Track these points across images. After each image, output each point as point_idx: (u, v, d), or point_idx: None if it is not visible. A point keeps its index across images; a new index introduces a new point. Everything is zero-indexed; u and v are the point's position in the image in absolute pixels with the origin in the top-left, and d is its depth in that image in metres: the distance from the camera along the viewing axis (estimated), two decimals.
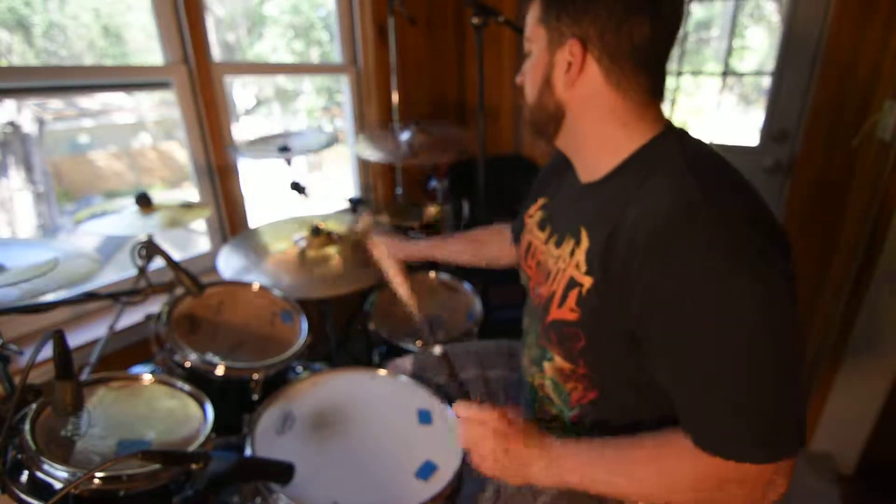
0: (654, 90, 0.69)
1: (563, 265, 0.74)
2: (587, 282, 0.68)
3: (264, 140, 1.58)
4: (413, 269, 1.74)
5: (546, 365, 0.81)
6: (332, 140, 1.55)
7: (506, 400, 1.05)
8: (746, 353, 0.56)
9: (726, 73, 2.05)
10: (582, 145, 0.74)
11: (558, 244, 0.77)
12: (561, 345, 0.74)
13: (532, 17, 0.71)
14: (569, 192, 0.82)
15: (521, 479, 0.70)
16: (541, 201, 0.91)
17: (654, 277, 0.59)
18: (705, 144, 0.68)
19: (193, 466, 0.67)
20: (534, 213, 0.91)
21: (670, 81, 2.17)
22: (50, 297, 0.97)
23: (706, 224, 0.56)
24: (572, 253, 0.72)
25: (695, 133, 0.70)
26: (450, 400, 1.05)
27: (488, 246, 1.17)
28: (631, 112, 0.68)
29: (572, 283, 0.71)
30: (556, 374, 0.79)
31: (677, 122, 0.72)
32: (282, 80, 2.79)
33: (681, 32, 2.24)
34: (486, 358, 1.13)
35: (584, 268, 0.69)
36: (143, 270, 1.15)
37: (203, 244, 1.76)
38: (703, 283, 0.56)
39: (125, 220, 1.23)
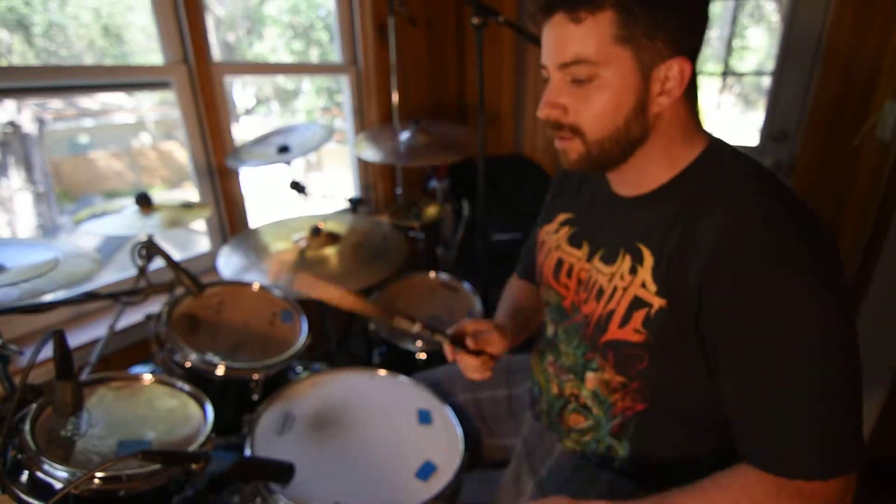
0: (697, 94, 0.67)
1: (622, 283, 0.69)
2: (657, 302, 0.64)
3: (263, 140, 1.59)
4: (414, 269, 1.74)
5: (589, 375, 0.76)
6: (330, 133, 1.55)
7: (509, 416, 1.04)
8: (824, 365, 0.56)
9: (726, 73, 2.05)
10: (641, 166, 0.67)
11: (608, 261, 0.72)
12: (617, 364, 0.71)
13: (598, 35, 0.58)
14: (603, 205, 0.77)
15: None
16: (562, 217, 0.85)
17: (736, 292, 0.57)
18: (746, 154, 0.67)
19: (193, 466, 0.67)
20: (557, 230, 0.85)
21: None
22: (50, 297, 0.97)
23: (794, 243, 0.56)
24: (634, 271, 0.67)
25: None
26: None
27: (532, 298, 1.02)
28: (692, 122, 0.66)
29: (638, 303, 0.66)
30: (601, 386, 0.75)
31: None
32: (281, 80, 2.79)
33: None
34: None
35: (652, 287, 0.65)
36: (143, 270, 1.15)
37: (203, 244, 1.76)
38: (787, 295, 0.55)
39: (125, 220, 1.23)
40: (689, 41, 0.58)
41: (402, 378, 1.11)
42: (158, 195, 1.30)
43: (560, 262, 0.82)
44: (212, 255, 1.65)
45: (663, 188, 0.67)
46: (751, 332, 0.57)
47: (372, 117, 2.11)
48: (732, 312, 0.58)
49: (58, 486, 0.70)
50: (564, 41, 0.61)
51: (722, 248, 0.58)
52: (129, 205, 1.27)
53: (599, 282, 0.73)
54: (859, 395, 0.58)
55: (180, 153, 2.34)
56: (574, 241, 0.80)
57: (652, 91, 0.60)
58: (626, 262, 0.69)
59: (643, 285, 0.66)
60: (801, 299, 0.55)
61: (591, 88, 0.61)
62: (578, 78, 0.61)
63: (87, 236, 1.42)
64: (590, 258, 0.76)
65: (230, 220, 1.72)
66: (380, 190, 2.23)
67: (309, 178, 3.20)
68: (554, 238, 0.85)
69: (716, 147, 0.67)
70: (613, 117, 0.62)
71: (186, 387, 0.95)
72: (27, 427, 0.75)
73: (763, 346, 0.57)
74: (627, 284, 0.68)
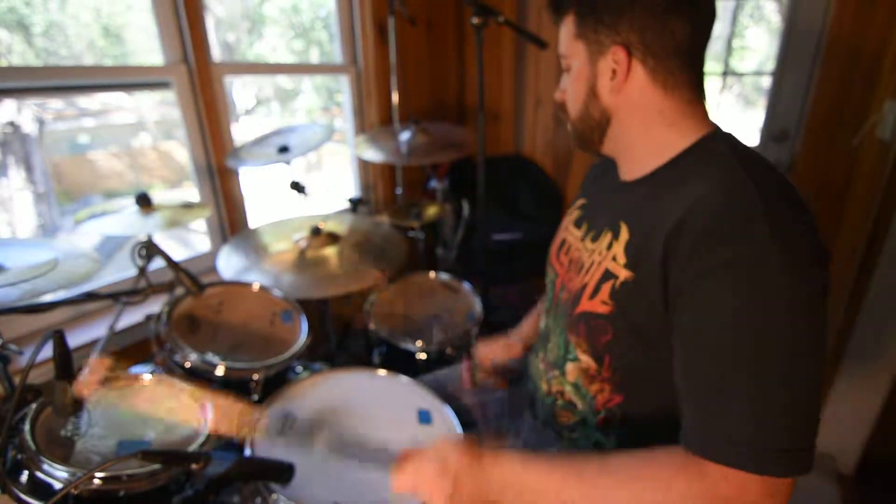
0: (698, 87, 0.69)
1: (598, 258, 0.73)
2: (623, 274, 0.67)
3: (263, 140, 1.59)
4: (414, 269, 1.74)
5: (569, 367, 0.79)
6: (330, 133, 1.55)
7: (510, 417, 1.04)
8: (789, 352, 0.54)
9: (726, 73, 2.05)
10: (628, 148, 0.73)
11: (594, 239, 0.77)
12: (588, 338, 0.73)
13: (566, 33, 0.72)
14: (607, 190, 0.82)
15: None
16: (579, 202, 0.91)
17: (697, 268, 0.57)
18: (752, 148, 0.67)
19: (193, 466, 0.68)
20: (571, 213, 0.91)
21: None
22: (50, 297, 0.97)
23: (760, 221, 0.55)
24: (609, 246, 0.72)
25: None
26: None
27: None
28: (678, 111, 0.68)
29: (607, 275, 0.70)
30: (580, 376, 0.77)
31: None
32: (282, 80, 2.79)
33: None
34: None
35: (622, 260, 0.68)
36: (143, 270, 1.15)
37: (203, 244, 1.76)
38: (755, 278, 0.54)
39: (125, 220, 1.23)
40: (626, 33, 0.65)
41: (402, 378, 1.11)
42: (158, 195, 1.31)
43: (563, 242, 0.87)
44: (212, 255, 1.65)
45: (654, 173, 0.70)
46: (702, 305, 0.57)
47: (372, 117, 2.11)
48: (687, 284, 0.58)
49: (58, 486, 0.70)
50: (558, 40, 0.75)
51: (686, 220, 0.59)
52: (129, 205, 1.27)
53: (583, 259, 0.78)
54: (811, 397, 0.54)
55: (180, 153, 2.33)
56: (578, 223, 0.85)
57: (602, 78, 0.69)
58: (606, 239, 0.73)
59: (614, 258, 0.70)
60: (756, 279, 0.54)
61: (569, 76, 0.74)
62: (565, 68, 0.75)
63: (87, 236, 1.42)
64: (583, 238, 0.81)
65: (230, 220, 1.72)
66: (380, 190, 2.23)
67: (309, 178, 3.20)
68: (567, 220, 0.91)
69: (713, 137, 0.67)
70: (577, 100, 0.74)
71: (186, 387, 0.95)
72: (27, 427, 0.75)
73: (711, 320, 0.56)
74: (602, 259, 0.72)
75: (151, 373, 0.98)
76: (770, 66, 1.89)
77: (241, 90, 2.67)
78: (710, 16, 0.66)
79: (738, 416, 0.54)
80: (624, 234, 0.70)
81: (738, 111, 2.41)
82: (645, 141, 0.70)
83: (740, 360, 0.55)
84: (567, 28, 0.71)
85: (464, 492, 0.64)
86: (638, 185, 0.72)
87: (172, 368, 1.10)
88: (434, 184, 2.10)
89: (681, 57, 0.65)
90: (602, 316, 0.70)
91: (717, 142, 0.66)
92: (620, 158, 0.77)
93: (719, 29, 2.16)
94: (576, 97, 0.73)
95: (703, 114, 0.70)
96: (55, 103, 1.99)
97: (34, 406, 0.78)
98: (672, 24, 0.63)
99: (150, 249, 1.13)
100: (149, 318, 1.19)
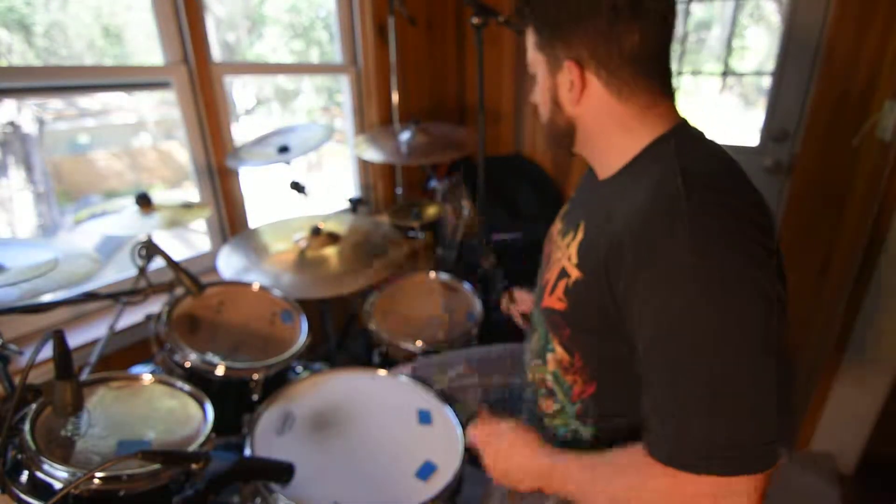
0: (660, 90, 0.69)
1: (560, 255, 0.77)
2: (574, 274, 0.71)
3: (263, 140, 1.59)
4: (414, 269, 1.74)
5: (549, 356, 0.81)
6: (330, 133, 1.55)
7: (504, 406, 1.05)
8: (721, 352, 0.54)
9: (726, 73, 2.05)
10: (594, 151, 0.76)
11: (564, 236, 0.80)
12: (553, 332, 0.77)
13: (530, 43, 0.74)
14: (589, 188, 0.84)
15: (517, 485, 0.73)
16: (572, 195, 0.94)
17: (635, 275, 0.59)
18: (709, 143, 0.68)
19: (193, 466, 0.68)
20: (564, 207, 0.93)
21: None
22: (50, 297, 0.97)
23: (685, 218, 0.56)
24: (569, 245, 0.75)
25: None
26: (448, 402, 1.04)
27: None
28: (635, 118, 0.69)
29: (563, 273, 0.74)
30: (558, 367, 0.80)
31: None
32: (282, 80, 2.79)
33: (681, 32, 2.22)
34: (485, 364, 1.13)
35: (574, 259, 0.72)
36: (143, 270, 1.15)
37: (203, 244, 1.76)
38: (683, 279, 0.55)
39: (125, 220, 1.23)
40: (577, 48, 0.67)
41: (402, 378, 1.11)
42: (158, 195, 1.31)
43: (549, 236, 0.91)
44: (212, 255, 1.65)
45: (616, 174, 0.72)
46: (645, 310, 0.59)
47: (372, 117, 2.11)
48: (630, 293, 0.60)
49: (58, 486, 0.70)
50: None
51: (625, 224, 0.62)
52: (129, 205, 1.27)
53: (553, 254, 0.82)
54: (755, 394, 0.54)
55: (180, 153, 2.34)
56: (563, 217, 0.89)
57: (562, 89, 0.71)
58: (569, 237, 0.77)
59: (569, 257, 0.74)
60: (682, 282, 0.55)
61: (537, 85, 0.76)
62: (531, 76, 0.77)
63: (87, 236, 1.42)
64: (558, 233, 0.84)
65: (230, 220, 1.72)
66: (380, 190, 2.23)
67: (309, 178, 3.20)
68: (558, 215, 0.93)
69: (665, 138, 0.68)
70: (544, 109, 0.76)
71: (186, 387, 0.95)
72: (27, 427, 0.75)
73: (651, 325, 0.58)
74: (562, 256, 0.76)
75: (151, 373, 0.98)
76: (770, 66, 1.89)
77: (241, 90, 2.67)
78: (660, 20, 0.65)
79: (699, 425, 0.55)
80: (580, 234, 0.73)
81: (738, 111, 2.41)
82: (607, 146, 0.73)
83: (688, 368, 0.55)
84: (530, 38, 0.74)
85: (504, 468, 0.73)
86: (602, 186, 0.75)
87: (172, 368, 1.10)
88: (434, 184, 2.10)
89: (635, 65, 0.66)
90: (558, 312, 0.74)
91: (666, 143, 0.67)
92: (590, 161, 0.79)
93: (719, 29, 2.17)
94: (542, 105, 0.76)
95: (664, 115, 0.69)
96: (55, 103, 1.99)
97: (34, 406, 0.78)
98: (620, 35, 0.64)
99: (150, 249, 1.13)
100: (149, 318, 1.19)
